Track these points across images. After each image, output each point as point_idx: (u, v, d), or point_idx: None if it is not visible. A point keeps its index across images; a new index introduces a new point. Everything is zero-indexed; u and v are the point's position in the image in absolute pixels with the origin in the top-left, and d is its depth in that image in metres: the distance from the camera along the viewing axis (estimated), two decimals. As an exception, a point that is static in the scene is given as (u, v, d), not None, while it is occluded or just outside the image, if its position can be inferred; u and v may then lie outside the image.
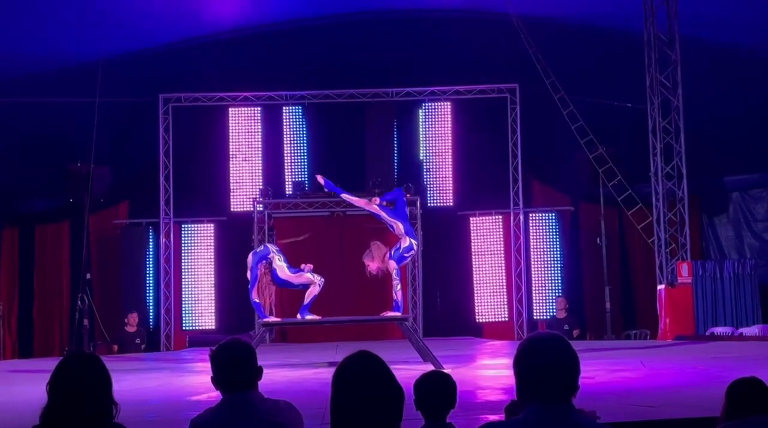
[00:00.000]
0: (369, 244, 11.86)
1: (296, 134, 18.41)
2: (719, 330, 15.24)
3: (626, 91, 16.81)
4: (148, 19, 16.32)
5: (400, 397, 2.94)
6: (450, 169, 18.37)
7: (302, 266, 11.84)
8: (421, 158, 18.40)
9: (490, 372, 11.55)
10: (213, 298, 17.93)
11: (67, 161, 17.36)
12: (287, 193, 18.04)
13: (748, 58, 16.39)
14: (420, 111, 18.46)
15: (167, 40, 17.21)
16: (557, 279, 17.98)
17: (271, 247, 12.09)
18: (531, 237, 18.07)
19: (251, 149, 18.38)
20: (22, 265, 17.96)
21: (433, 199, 18.32)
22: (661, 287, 15.78)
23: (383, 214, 11.84)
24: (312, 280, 11.78)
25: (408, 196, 17.51)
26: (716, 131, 17.06)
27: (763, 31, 15.57)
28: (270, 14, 17.42)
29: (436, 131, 18.45)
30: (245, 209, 17.92)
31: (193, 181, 18.12)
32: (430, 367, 10.00)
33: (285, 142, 18.36)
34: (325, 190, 12.27)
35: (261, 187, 17.99)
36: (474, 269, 18.14)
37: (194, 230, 18.11)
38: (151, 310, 17.84)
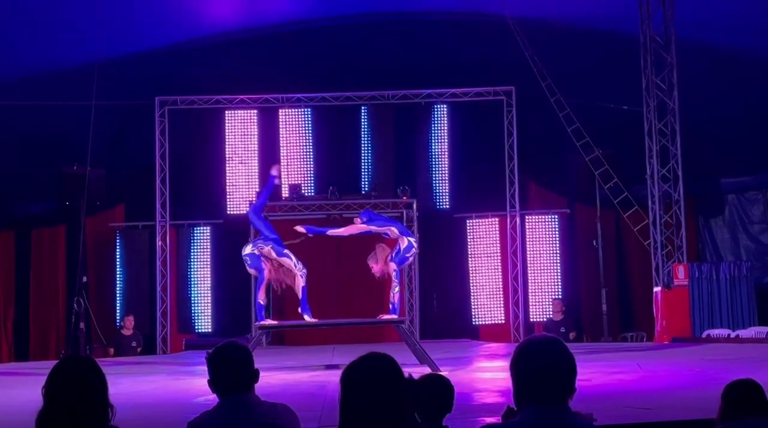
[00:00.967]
0: (369, 247, 11.92)
1: (293, 137, 18.39)
2: (715, 332, 15.26)
3: (622, 94, 16.82)
4: (145, 21, 16.31)
5: (410, 398, 2.93)
6: (447, 172, 18.37)
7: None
8: (418, 161, 18.39)
9: (486, 374, 11.55)
10: (209, 301, 17.91)
11: (63, 164, 17.34)
12: (284, 195, 18.03)
13: (743, 61, 16.42)
14: (417, 114, 18.46)
15: (164, 43, 17.20)
16: (554, 282, 17.98)
17: (258, 245, 12.06)
18: (527, 239, 18.07)
19: (247, 152, 18.37)
20: (19, 268, 17.94)
21: (430, 202, 18.32)
22: (657, 289, 15.80)
23: (373, 228, 11.96)
24: (292, 267, 11.82)
25: (404, 198, 17.55)
26: (712, 133, 17.08)
27: (759, 33, 15.60)
28: (267, 17, 17.41)
29: (433, 134, 18.46)
30: (241, 212, 17.89)
31: (189, 183, 18.11)
32: (426, 370, 10.00)
33: (281, 145, 18.36)
34: (310, 235, 12.32)
35: (257, 189, 17.97)
36: (470, 271, 18.14)
37: (190, 233, 18.09)
38: (147, 313, 17.80)
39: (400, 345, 12.09)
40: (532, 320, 17.82)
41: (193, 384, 10.42)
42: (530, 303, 17.90)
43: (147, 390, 10.34)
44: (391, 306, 11.76)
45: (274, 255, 11.89)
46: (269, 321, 12.47)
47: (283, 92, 18.05)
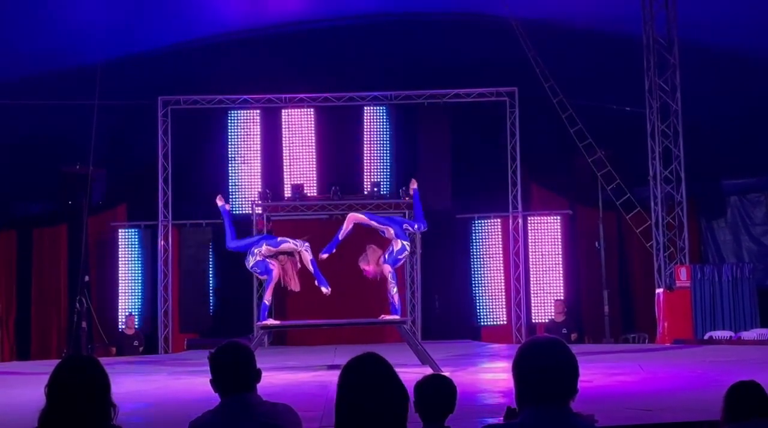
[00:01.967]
0: (365, 248, 11.94)
1: (295, 137, 18.39)
2: (718, 334, 15.25)
3: (625, 95, 16.82)
4: (148, 21, 16.32)
5: (405, 399, 2.95)
6: (449, 172, 18.36)
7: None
8: (421, 161, 18.39)
9: (488, 375, 11.55)
10: (211, 301, 17.91)
11: (65, 164, 17.35)
12: (286, 195, 18.04)
13: (746, 62, 16.41)
14: (419, 114, 18.46)
15: (166, 43, 17.21)
16: (556, 283, 17.97)
17: (254, 252, 12.06)
18: (530, 240, 18.06)
19: (250, 152, 18.37)
20: (20, 268, 17.94)
21: (432, 202, 18.30)
22: (659, 291, 15.79)
23: (373, 223, 11.99)
24: (295, 248, 11.89)
25: (406, 198, 17.54)
26: (715, 135, 17.07)
27: (762, 34, 15.58)
28: (270, 17, 17.42)
29: (434, 134, 18.45)
30: (244, 212, 17.90)
31: (191, 183, 18.11)
32: (428, 370, 10.00)
33: (284, 145, 18.36)
34: (333, 251, 12.26)
35: (260, 189, 17.98)
36: (473, 272, 18.14)
37: (192, 232, 18.08)
38: (149, 313, 17.81)
39: (401, 346, 12.09)
40: (534, 321, 17.82)
41: (195, 383, 10.42)
42: (532, 305, 17.89)
43: (149, 390, 10.35)
44: (391, 306, 11.77)
45: (273, 249, 11.94)
46: (271, 321, 12.48)
47: (285, 92, 18.05)
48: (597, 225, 16.99)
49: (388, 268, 11.69)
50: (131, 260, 17.98)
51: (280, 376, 10.61)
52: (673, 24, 15.55)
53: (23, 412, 3.23)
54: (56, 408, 3.17)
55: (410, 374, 4.28)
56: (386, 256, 11.72)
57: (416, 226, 12.34)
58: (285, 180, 18.28)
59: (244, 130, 18.39)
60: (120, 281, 17.85)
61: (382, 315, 12.07)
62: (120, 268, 17.90)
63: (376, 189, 17.61)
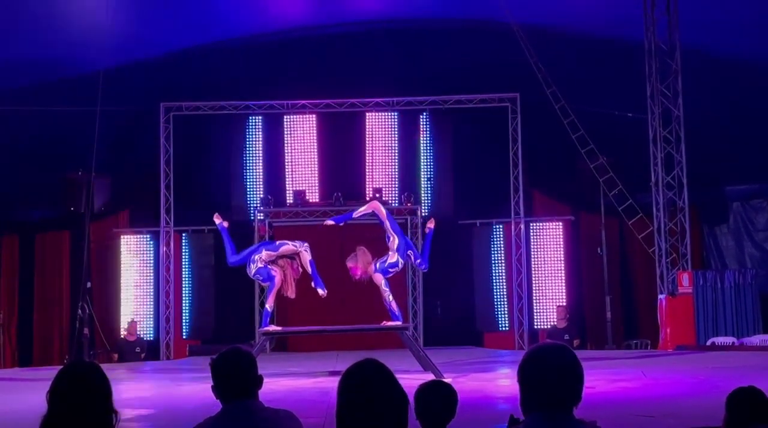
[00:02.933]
0: (356, 248, 11.90)
1: (298, 143, 18.41)
2: (720, 340, 15.22)
3: (627, 101, 16.81)
4: (149, 28, 16.34)
5: (405, 405, 2.95)
6: (451, 179, 18.37)
7: None
8: (422, 167, 18.40)
9: (490, 382, 11.53)
10: (213, 307, 17.90)
11: (67, 170, 17.36)
12: (288, 201, 18.04)
13: (749, 68, 16.41)
14: (421, 120, 18.47)
15: (168, 49, 17.23)
16: (558, 289, 17.95)
17: (255, 260, 12.05)
18: (532, 246, 18.05)
19: (252, 158, 18.38)
20: (23, 274, 17.95)
21: (434, 209, 18.32)
22: (661, 297, 15.77)
23: (387, 224, 11.93)
24: (295, 249, 11.89)
25: (408, 204, 17.55)
26: (717, 141, 17.06)
27: (765, 40, 15.58)
28: (272, 23, 17.44)
29: (437, 140, 18.46)
30: (245, 218, 17.90)
31: (193, 189, 18.12)
32: (430, 376, 9.99)
33: (286, 151, 18.37)
34: (341, 224, 12.34)
35: (262, 195, 17.98)
36: (475, 278, 18.12)
37: (195, 239, 18.09)
38: (151, 319, 17.81)
39: (403, 352, 12.08)
40: (536, 327, 17.80)
41: (197, 390, 10.41)
42: (534, 311, 17.87)
43: (151, 397, 10.34)
44: (391, 313, 11.76)
45: (273, 253, 11.94)
46: (273, 328, 12.47)
47: (287, 98, 18.06)
48: (599, 231, 16.97)
49: (380, 277, 11.68)
50: (133, 266, 17.96)
51: (282, 382, 10.60)
52: (674, 29, 15.55)
53: (25, 419, 3.22)
54: (57, 414, 3.16)
55: (412, 380, 4.27)
56: (377, 265, 11.70)
57: (418, 261, 12.31)
58: (287, 186, 18.29)
59: (246, 136, 18.39)
60: (122, 287, 17.84)
61: (384, 322, 12.05)
62: (122, 275, 17.89)
63: (378, 195, 17.61)
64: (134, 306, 17.77)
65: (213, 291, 17.93)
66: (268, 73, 17.73)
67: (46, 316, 17.85)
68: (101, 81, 15.92)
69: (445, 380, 6.64)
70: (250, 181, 18.31)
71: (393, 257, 11.76)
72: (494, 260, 18.16)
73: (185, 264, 17.98)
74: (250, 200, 18.13)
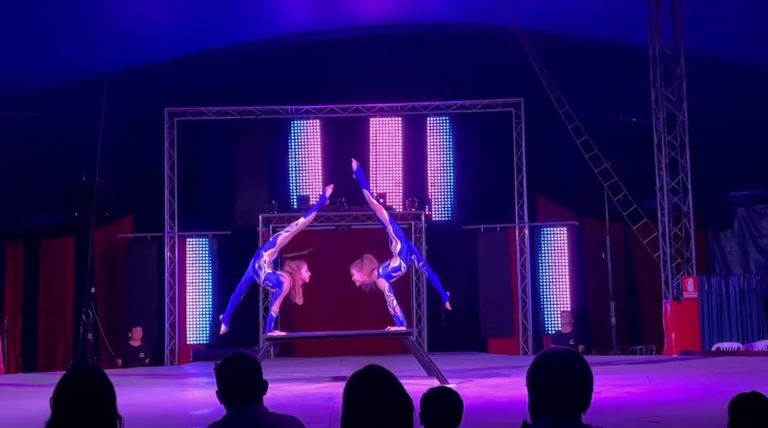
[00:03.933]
0: (362, 256, 11.90)
1: (302, 148, 18.41)
2: (725, 345, 15.20)
3: (631, 106, 16.81)
4: (153, 33, 16.36)
5: (410, 411, 2.95)
6: (455, 184, 18.37)
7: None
8: (426, 172, 18.39)
9: (495, 387, 11.50)
10: (217, 312, 17.87)
11: (71, 175, 17.37)
12: (292, 206, 18.04)
13: (754, 72, 16.39)
14: (425, 125, 18.48)
15: (172, 55, 17.25)
16: (563, 295, 17.93)
17: (261, 264, 12.04)
18: (536, 252, 18.03)
19: (256, 163, 18.38)
20: (27, 279, 17.97)
21: (438, 214, 18.31)
22: (666, 302, 15.74)
23: (390, 228, 11.92)
24: (289, 235, 12.01)
25: (413, 210, 17.54)
26: (721, 146, 17.04)
27: (769, 46, 15.58)
28: (275, 28, 17.45)
29: (440, 145, 18.47)
30: (249, 223, 17.91)
31: (197, 195, 18.13)
32: (435, 382, 9.97)
33: (290, 156, 18.38)
34: (354, 176, 12.40)
35: (266, 200, 17.98)
36: (479, 284, 18.10)
37: (199, 244, 18.10)
38: (155, 324, 17.80)
39: (408, 357, 12.06)
40: (541, 333, 17.77)
41: (201, 395, 10.41)
42: (539, 316, 17.84)
43: (155, 402, 10.32)
44: (395, 318, 11.74)
45: (273, 250, 11.97)
46: (278, 333, 12.47)
47: (291, 103, 18.07)
48: (604, 236, 16.95)
49: (384, 283, 11.67)
50: (137, 272, 17.96)
51: (287, 388, 10.58)
52: (679, 35, 15.54)
53: (29, 424, 3.22)
54: (62, 420, 3.16)
55: (417, 386, 4.26)
56: (380, 270, 11.69)
57: (421, 264, 12.35)
58: (291, 191, 18.30)
59: (250, 141, 18.40)
60: (126, 293, 17.84)
61: (388, 327, 12.04)
62: (126, 280, 17.90)
63: (381, 200, 17.59)
64: (138, 311, 17.75)
65: (217, 296, 17.91)
66: (272, 78, 17.75)
67: (50, 322, 17.86)
68: (105, 86, 15.96)
69: (450, 386, 6.63)
70: (253, 187, 18.30)
71: (396, 261, 11.75)
72: (498, 265, 18.12)
73: (189, 270, 17.95)
74: (253, 205, 18.11)
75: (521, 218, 17.81)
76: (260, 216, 17.70)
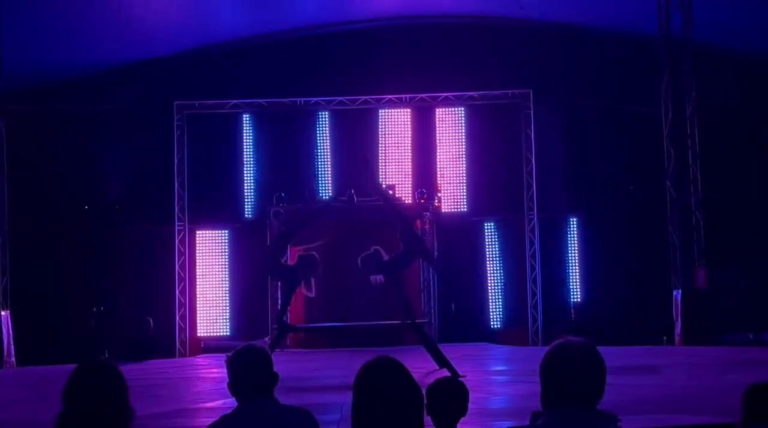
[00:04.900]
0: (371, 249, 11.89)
1: (310, 140, 18.40)
2: (736, 335, 15.16)
3: (641, 96, 16.76)
4: (162, 27, 16.38)
5: (420, 401, 2.95)
6: (464, 175, 18.34)
7: None
8: (436, 164, 18.37)
9: (503, 378, 11.52)
10: (227, 304, 17.93)
11: (83, 169, 17.40)
12: (302, 198, 18.01)
13: (762, 63, 16.34)
14: (433, 116, 18.44)
15: (181, 48, 17.27)
16: (573, 285, 17.89)
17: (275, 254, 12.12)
18: (543, 242, 17.98)
19: (265, 155, 18.38)
20: (38, 271, 18.00)
21: (447, 205, 18.30)
22: (677, 292, 15.72)
23: (399, 219, 11.94)
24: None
25: (422, 201, 17.52)
26: (731, 136, 16.98)
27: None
28: (285, 21, 17.46)
29: (450, 136, 18.44)
30: (259, 215, 17.92)
31: (207, 187, 18.15)
32: (444, 373, 9.98)
33: (299, 148, 18.37)
34: (367, 168, 12.42)
35: (275, 193, 17.98)
36: (488, 275, 18.08)
37: (209, 236, 18.12)
38: (166, 316, 17.83)
39: (418, 348, 12.08)
40: (549, 324, 17.74)
41: (212, 387, 10.45)
42: (548, 307, 17.81)
43: (166, 394, 10.36)
44: (405, 309, 11.75)
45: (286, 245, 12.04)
46: (288, 324, 12.49)
47: (301, 96, 18.05)
48: (612, 226, 16.92)
49: (393, 274, 11.68)
50: (149, 264, 18.00)
51: (297, 379, 10.61)
52: (689, 26, 15.48)
53: (41, 417, 3.24)
54: (73, 413, 3.17)
55: (427, 377, 4.27)
56: (390, 261, 11.69)
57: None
58: (300, 183, 18.29)
59: (260, 134, 18.40)
60: (138, 285, 17.87)
61: (398, 318, 12.06)
62: (137, 272, 17.92)
63: (391, 192, 17.59)
64: (149, 303, 17.79)
65: (227, 289, 17.93)
66: (281, 71, 17.73)
67: (61, 314, 17.89)
68: (116, 80, 16.02)
69: (458, 376, 6.64)
70: (263, 179, 18.30)
71: (406, 253, 11.75)
72: (507, 256, 18.10)
73: (200, 262, 17.97)
74: (263, 197, 18.12)
75: (530, 208, 17.77)
76: (270, 209, 17.70)
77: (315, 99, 18.09)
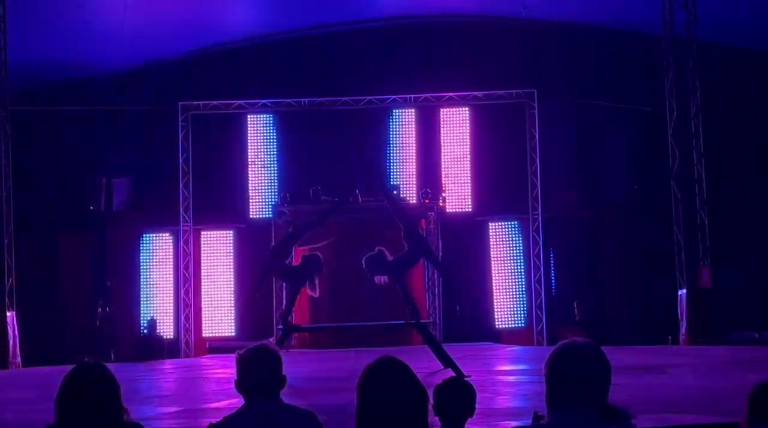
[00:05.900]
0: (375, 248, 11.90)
1: (315, 140, 18.41)
2: (740, 334, 15.14)
3: (645, 95, 16.75)
4: (167, 28, 16.40)
5: (425, 401, 2.96)
6: (468, 175, 18.33)
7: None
8: (440, 163, 18.37)
9: (509, 377, 11.52)
10: (232, 305, 17.94)
11: (87, 170, 17.42)
12: (307, 199, 18.02)
13: (767, 61, 16.32)
14: (438, 116, 18.44)
15: (185, 49, 17.28)
16: (577, 285, 17.88)
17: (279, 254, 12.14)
18: (548, 242, 17.97)
19: (269, 156, 18.40)
20: (43, 272, 18.03)
21: (452, 205, 18.29)
22: (681, 291, 15.70)
23: (404, 220, 11.96)
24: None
25: (426, 201, 17.53)
26: (736, 135, 16.97)
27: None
28: (287, 22, 17.47)
29: (454, 136, 18.44)
30: (264, 216, 17.94)
31: (211, 188, 18.16)
32: (449, 373, 9.98)
33: (304, 148, 18.37)
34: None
35: (279, 193, 18.00)
36: (493, 274, 18.08)
37: (214, 237, 18.14)
38: (171, 317, 17.86)
39: (423, 348, 12.08)
40: (555, 323, 17.74)
41: (216, 387, 10.46)
42: (553, 306, 17.81)
43: (170, 394, 10.38)
44: (410, 309, 11.75)
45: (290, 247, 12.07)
46: (293, 324, 12.50)
47: (304, 96, 18.06)
48: (617, 225, 16.91)
49: (398, 274, 11.69)
50: (153, 265, 18.02)
51: (302, 379, 10.62)
52: (693, 23, 15.46)
53: (47, 418, 3.25)
54: (67, 415, 3.18)
55: (432, 376, 4.28)
56: (394, 262, 11.70)
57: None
58: (306, 183, 18.29)
59: (263, 133, 18.42)
60: (142, 286, 17.90)
61: (403, 318, 12.07)
62: (142, 273, 17.96)
63: (395, 192, 17.59)
64: (154, 304, 17.83)
65: (232, 289, 17.94)
66: (284, 71, 17.75)
67: (66, 315, 17.92)
68: (120, 81, 16.04)
69: (463, 376, 6.64)
70: (268, 179, 18.32)
71: (410, 253, 11.76)
72: (512, 256, 18.10)
73: (204, 263, 17.98)
74: (269, 198, 18.13)
75: (535, 208, 17.77)
76: (275, 208, 17.71)
77: (320, 99, 18.09)
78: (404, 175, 18.28)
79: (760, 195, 17.84)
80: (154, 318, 17.39)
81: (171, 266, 17.93)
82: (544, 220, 17.82)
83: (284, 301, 14.49)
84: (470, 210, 18.27)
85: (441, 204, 17.84)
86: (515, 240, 18.13)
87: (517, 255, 18.08)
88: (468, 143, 18.38)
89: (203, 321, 17.87)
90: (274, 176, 18.35)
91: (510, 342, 17.22)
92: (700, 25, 15.39)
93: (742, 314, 15.51)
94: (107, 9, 15.40)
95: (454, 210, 18.28)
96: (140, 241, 18.12)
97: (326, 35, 17.60)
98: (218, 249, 18.12)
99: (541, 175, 17.73)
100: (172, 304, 17.85)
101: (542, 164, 17.73)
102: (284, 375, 3.69)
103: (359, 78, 17.94)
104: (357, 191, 17.33)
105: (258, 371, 3.65)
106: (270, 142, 18.45)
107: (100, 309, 17.27)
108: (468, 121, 18.41)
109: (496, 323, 18.01)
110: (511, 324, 17.99)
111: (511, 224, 18.15)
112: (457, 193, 18.37)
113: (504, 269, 18.10)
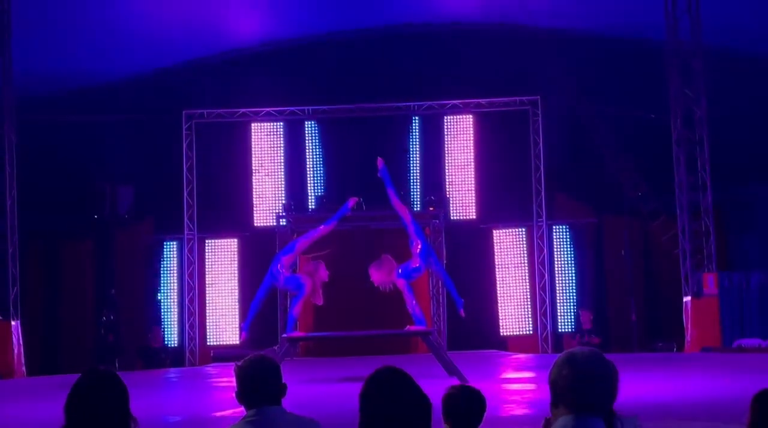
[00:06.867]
0: (381, 256, 11.91)
1: (318, 149, 18.43)
2: (746, 341, 15.10)
3: (649, 102, 16.74)
4: (171, 36, 16.43)
5: (428, 410, 2.95)
6: (472, 182, 18.33)
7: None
8: (444, 171, 18.36)
9: (514, 386, 11.49)
10: (237, 313, 17.94)
11: (91, 178, 17.44)
12: (310, 207, 18.05)
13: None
14: (442, 124, 18.44)
15: (190, 57, 17.31)
16: (582, 292, 17.86)
17: (279, 269, 12.10)
18: (555, 249, 17.96)
19: (274, 164, 18.42)
20: (48, 281, 18.07)
21: (456, 212, 18.29)
22: (687, 299, 15.67)
23: (411, 228, 11.93)
24: (308, 242, 12.14)
25: (431, 208, 17.52)
26: (741, 141, 16.94)
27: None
28: (293, 30, 17.49)
29: (458, 144, 18.44)
30: (268, 224, 17.94)
31: (216, 196, 18.17)
32: (455, 381, 9.96)
33: (307, 157, 18.39)
34: (379, 175, 12.43)
35: (283, 201, 18.01)
36: (498, 282, 18.06)
37: (218, 245, 18.15)
38: (175, 325, 17.87)
39: (427, 356, 12.06)
40: (560, 331, 17.72)
41: (221, 396, 10.45)
42: (558, 314, 17.79)
43: (174, 403, 10.37)
44: (414, 318, 11.74)
45: (292, 255, 12.05)
46: (297, 333, 12.48)
47: (308, 104, 18.08)
48: (622, 233, 16.89)
49: (403, 282, 11.68)
50: (157, 273, 18.04)
51: (305, 388, 10.60)
52: (696, 30, 15.45)
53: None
54: (76, 423, 3.17)
55: (437, 385, 4.27)
56: (400, 270, 11.69)
57: (437, 268, 12.44)
58: (309, 192, 18.31)
59: (268, 142, 18.44)
60: (146, 294, 17.92)
61: (408, 327, 12.05)
62: (146, 281, 17.98)
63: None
64: (158, 312, 17.84)
65: (236, 297, 17.95)
66: (289, 79, 17.77)
67: (70, 324, 17.94)
68: (124, 90, 16.07)
69: (470, 385, 6.62)
70: (271, 188, 18.34)
71: (416, 262, 11.76)
72: (517, 263, 18.09)
73: (209, 271, 17.99)
74: (271, 206, 18.14)
75: (539, 216, 17.75)
76: (278, 217, 17.72)
77: (323, 107, 18.10)
78: (408, 182, 18.27)
79: (766, 201, 17.81)
80: (159, 326, 17.39)
81: (175, 274, 17.96)
82: (548, 227, 17.81)
83: (288, 309, 14.43)
84: (474, 217, 18.26)
85: (445, 211, 17.79)
86: (520, 247, 18.11)
87: (521, 263, 18.06)
88: (472, 150, 18.38)
89: (207, 330, 17.87)
90: (279, 184, 18.37)
91: (515, 350, 17.19)
92: (703, 32, 15.38)
93: (747, 321, 15.46)
94: (112, 18, 15.43)
95: (458, 217, 18.27)
96: (144, 249, 18.15)
97: (331, 42, 17.60)
98: (222, 257, 18.14)
99: (545, 182, 17.72)
100: (176, 312, 17.86)
101: (546, 171, 17.73)
102: (284, 384, 3.69)
103: (362, 86, 17.95)
104: (360, 199, 17.34)
105: (257, 381, 3.65)
106: (275, 150, 18.47)
107: (104, 318, 17.27)
108: (472, 129, 18.41)
109: (502, 330, 17.98)
110: (517, 331, 17.96)
111: (515, 231, 18.14)
112: (462, 201, 18.36)
113: (509, 276, 18.09)
